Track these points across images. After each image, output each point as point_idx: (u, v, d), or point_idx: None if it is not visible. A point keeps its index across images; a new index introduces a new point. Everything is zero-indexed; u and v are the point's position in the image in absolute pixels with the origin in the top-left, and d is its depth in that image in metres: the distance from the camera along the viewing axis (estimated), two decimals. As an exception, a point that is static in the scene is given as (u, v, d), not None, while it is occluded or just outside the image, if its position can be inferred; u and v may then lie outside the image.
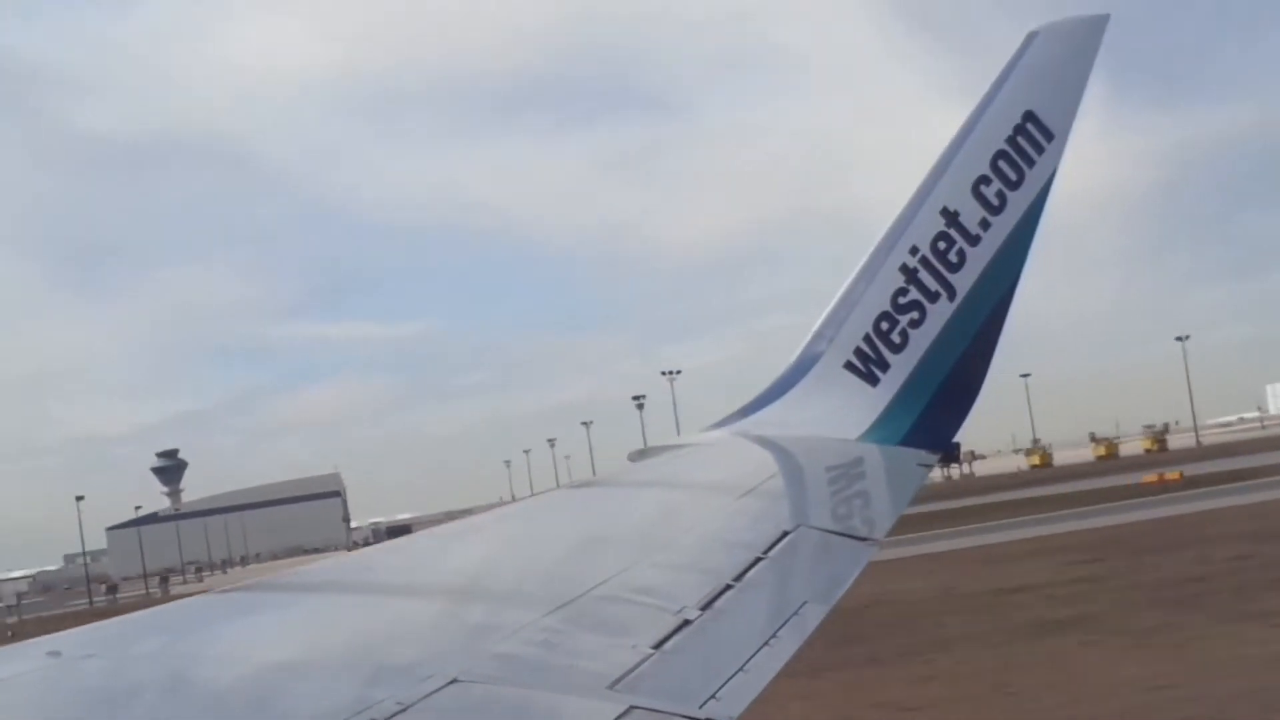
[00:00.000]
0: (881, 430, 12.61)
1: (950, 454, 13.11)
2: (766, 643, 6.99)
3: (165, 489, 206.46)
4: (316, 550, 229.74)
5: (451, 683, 5.72)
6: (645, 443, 12.95)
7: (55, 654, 5.93)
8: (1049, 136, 13.06)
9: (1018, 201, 12.95)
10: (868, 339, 12.77)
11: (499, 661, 6.25)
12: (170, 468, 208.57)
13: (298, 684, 5.99)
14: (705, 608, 7.38)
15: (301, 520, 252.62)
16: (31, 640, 6.33)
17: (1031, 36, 13.36)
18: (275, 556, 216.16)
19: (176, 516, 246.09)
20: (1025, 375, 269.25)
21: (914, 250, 12.82)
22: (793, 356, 13.13)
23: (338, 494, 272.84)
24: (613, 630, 6.88)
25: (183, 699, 5.73)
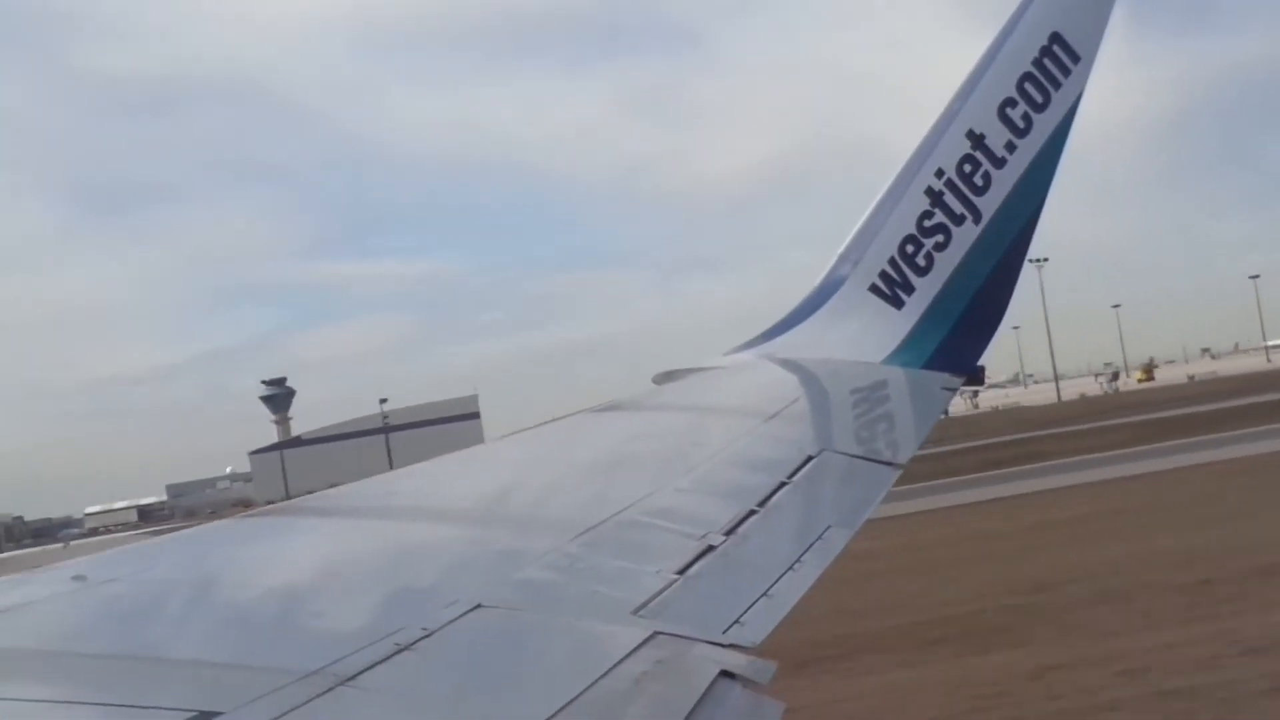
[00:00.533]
0: (906, 353, 12.60)
1: (975, 377, 13.08)
2: (790, 568, 6.97)
3: (274, 416, 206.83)
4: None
5: (475, 608, 5.69)
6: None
7: (80, 578, 5.95)
8: (1075, 59, 12.99)
9: (1043, 124, 12.90)
10: (893, 262, 12.75)
11: (522, 587, 6.23)
12: (278, 395, 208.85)
13: (323, 607, 5.98)
14: (729, 533, 7.36)
15: (441, 441, 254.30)
16: (63, 564, 6.35)
17: None
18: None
19: (320, 440, 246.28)
20: (1116, 306, 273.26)
21: (939, 173, 12.78)
22: (818, 279, 13.10)
23: (476, 415, 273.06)
24: (636, 556, 6.85)
25: (202, 622, 5.71)
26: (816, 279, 13.08)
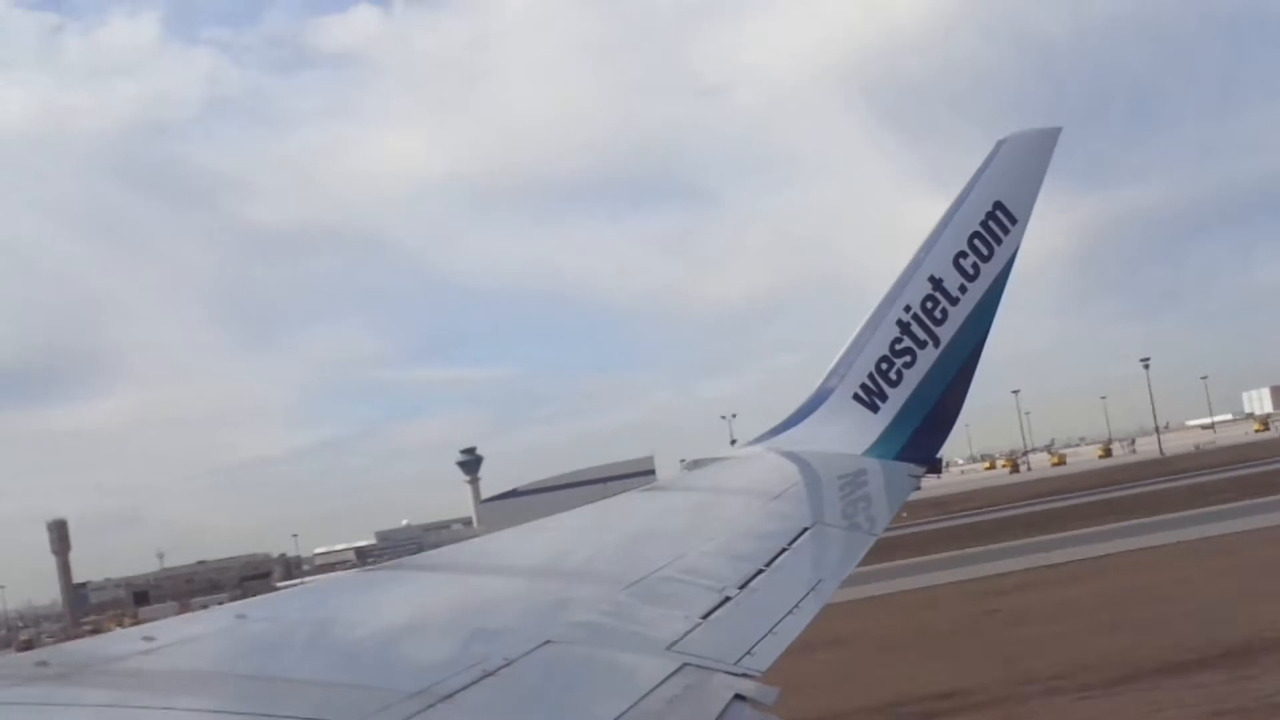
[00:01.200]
0: (881, 448, 12.66)
1: (934, 467, 13.14)
2: (790, 612, 7.03)
3: (467, 478, 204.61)
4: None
5: (545, 644, 5.78)
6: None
7: (242, 616, 6.04)
8: (1013, 220, 13.15)
9: (989, 271, 13.04)
10: (871, 376, 12.86)
11: (582, 628, 6.30)
12: (471, 461, 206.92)
13: (426, 642, 6.09)
14: (742, 587, 7.42)
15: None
16: (228, 606, 6.43)
17: (1000, 143, 13.46)
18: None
19: (532, 491, 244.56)
20: (1015, 391, 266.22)
21: (907, 309, 12.91)
22: (810, 389, 13.22)
23: (652, 472, 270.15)
24: (670, 604, 6.91)
25: (329, 652, 5.83)
26: (800, 381, 13.30)
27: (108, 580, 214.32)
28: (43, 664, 4.91)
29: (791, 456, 12.34)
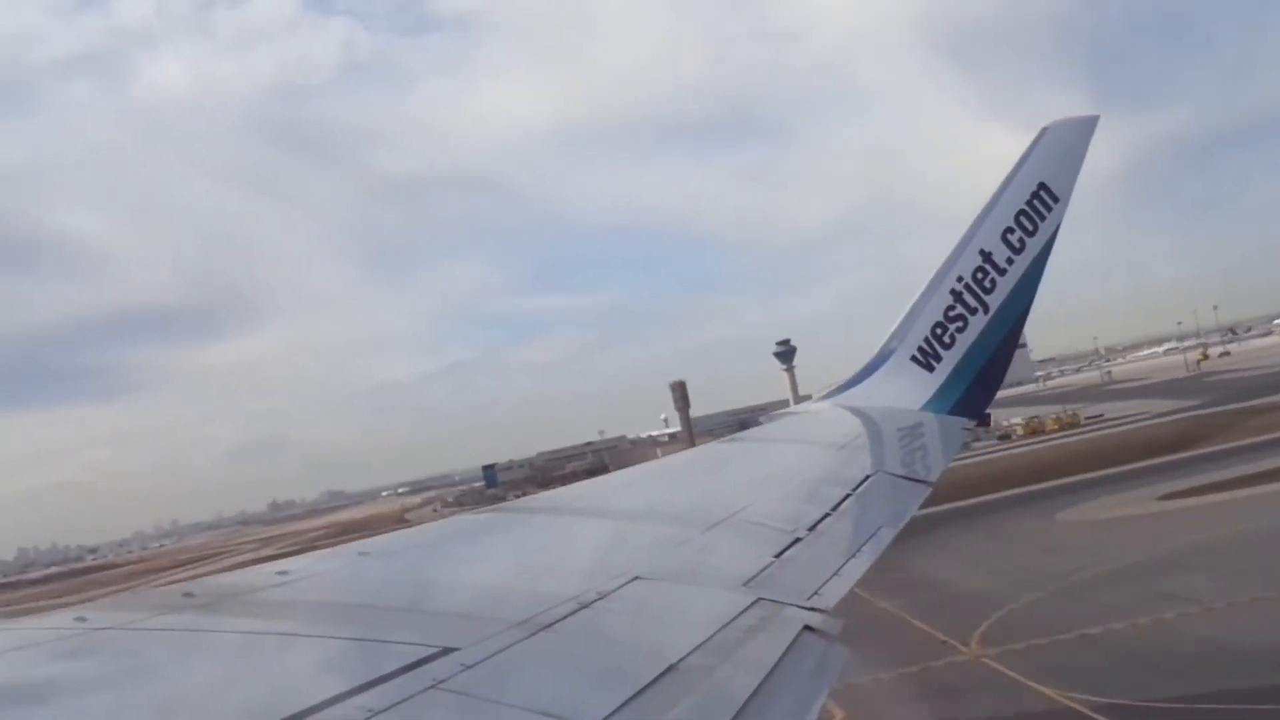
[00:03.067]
0: (936, 404, 12.59)
1: (984, 421, 13.05)
2: (853, 555, 6.94)
3: (784, 367, 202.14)
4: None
5: (634, 579, 5.77)
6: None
7: (365, 554, 6.09)
8: (1055, 199, 12.99)
9: (1033, 245, 12.91)
10: (927, 340, 12.79)
11: (667, 565, 6.28)
12: (786, 351, 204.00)
13: (528, 578, 6.09)
14: (812, 529, 7.36)
15: None
16: (353, 544, 6.47)
17: (1044, 130, 13.27)
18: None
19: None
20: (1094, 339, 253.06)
21: (960, 279, 12.82)
22: (875, 349, 13.15)
23: (1024, 345, 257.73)
24: (747, 543, 6.87)
25: (443, 587, 5.85)
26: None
27: (511, 462, 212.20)
28: (189, 595, 4.96)
29: (856, 411, 12.29)
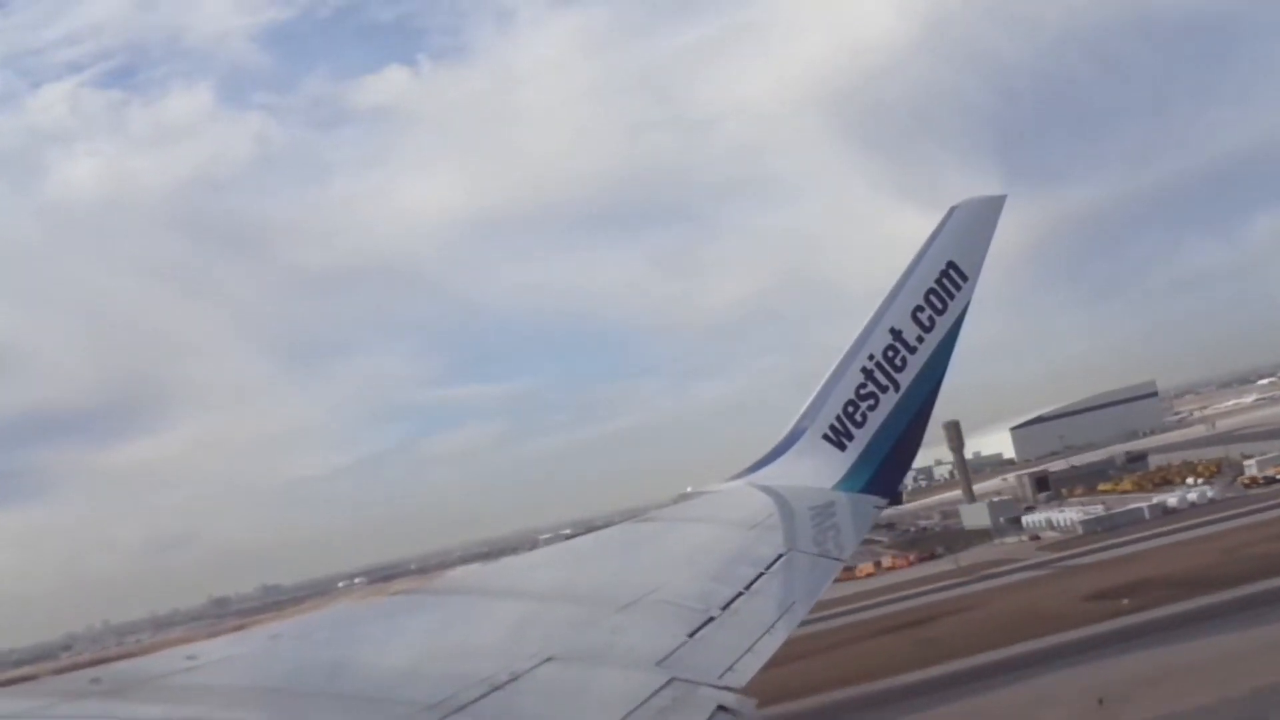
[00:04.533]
0: (848, 482, 12.65)
1: (895, 499, 13.14)
2: (766, 631, 7.01)
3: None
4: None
5: (547, 660, 5.79)
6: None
7: (276, 636, 6.05)
8: (964, 278, 13.21)
9: (943, 323, 13.09)
10: (838, 418, 12.86)
11: (580, 645, 6.32)
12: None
13: (439, 660, 6.09)
14: (724, 608, 7.41)
15: (1124, 417, 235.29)
16: (262, 628, 6.41)
17: (953, 209, 13.51)
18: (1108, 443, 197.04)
19: (1056, 416, 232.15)
20: None
21: (870, 357, 12.95)
22: (785, 430, 13.19)
23: (1155, 394, 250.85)
24: (661, 624, 6.89)
25: (356, 669, 5.83)
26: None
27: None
28: (96, 681, 4.90)
29: (768, 490, 12.33)
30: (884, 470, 12.91)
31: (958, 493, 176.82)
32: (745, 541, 9.90)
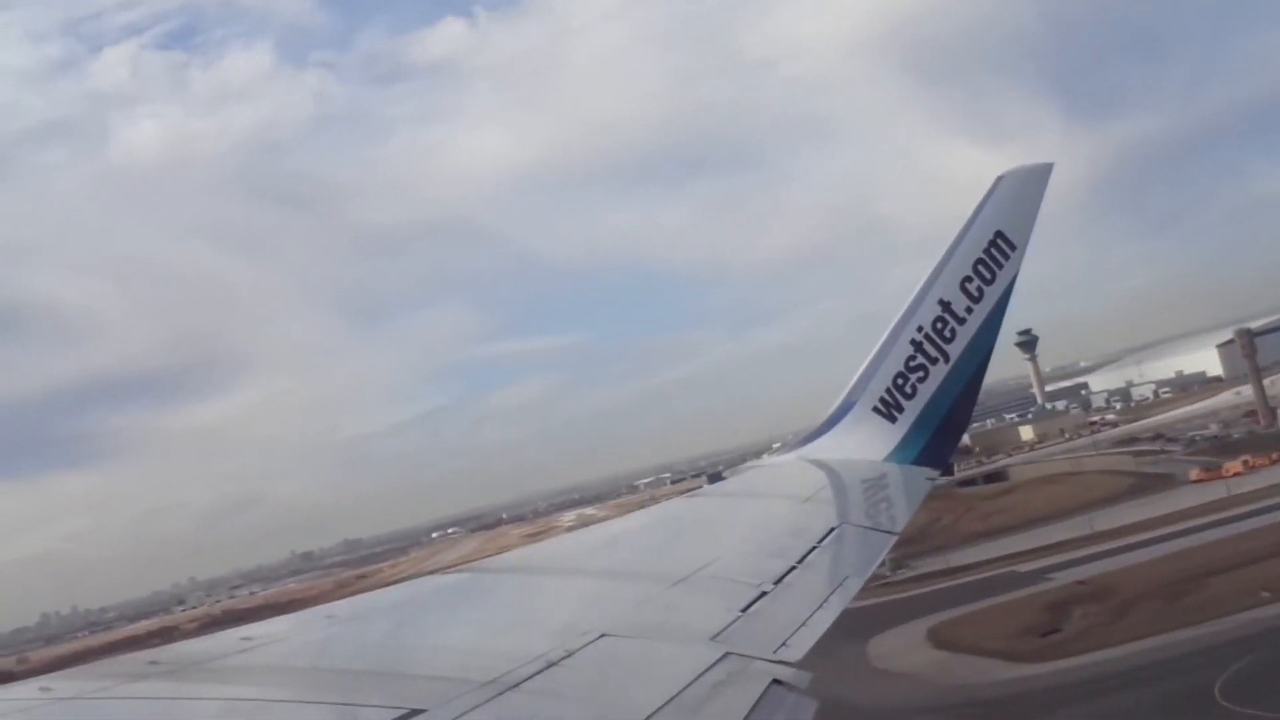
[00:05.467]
0: (898, 454, 12.59)
1: (947, 471, 13.06)
2: (820, 605, 6.97)
3: (1026, 356, 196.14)
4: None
5: (601, 637, 5.79)
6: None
7: (331, 617, 6.08)
8: (1012, 247, 13.09)
9: (991, 293, 12.99)
10: (889, 390, 12.80)
11: (635, 620, 6.31)
12: (1028, 341, 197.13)
13: (495, 638, 6.12)
14: (777, 582, 7.38)
15: None
16: (317, 608, 6.44)
17: (999, 179, 13.38)
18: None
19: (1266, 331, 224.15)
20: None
21: (920, 329, 12.87)
22: (837, 401, 13.15)
23: None
24: (714, 599, 6.88)
25: (413, 648, 5.86)
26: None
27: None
28: (154, 663, 4.94)
29: (819, 463, 12.30)
30: (935, 441, 12.84)
31: (1182, 409, 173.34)
32: (798, 515, 9.86)
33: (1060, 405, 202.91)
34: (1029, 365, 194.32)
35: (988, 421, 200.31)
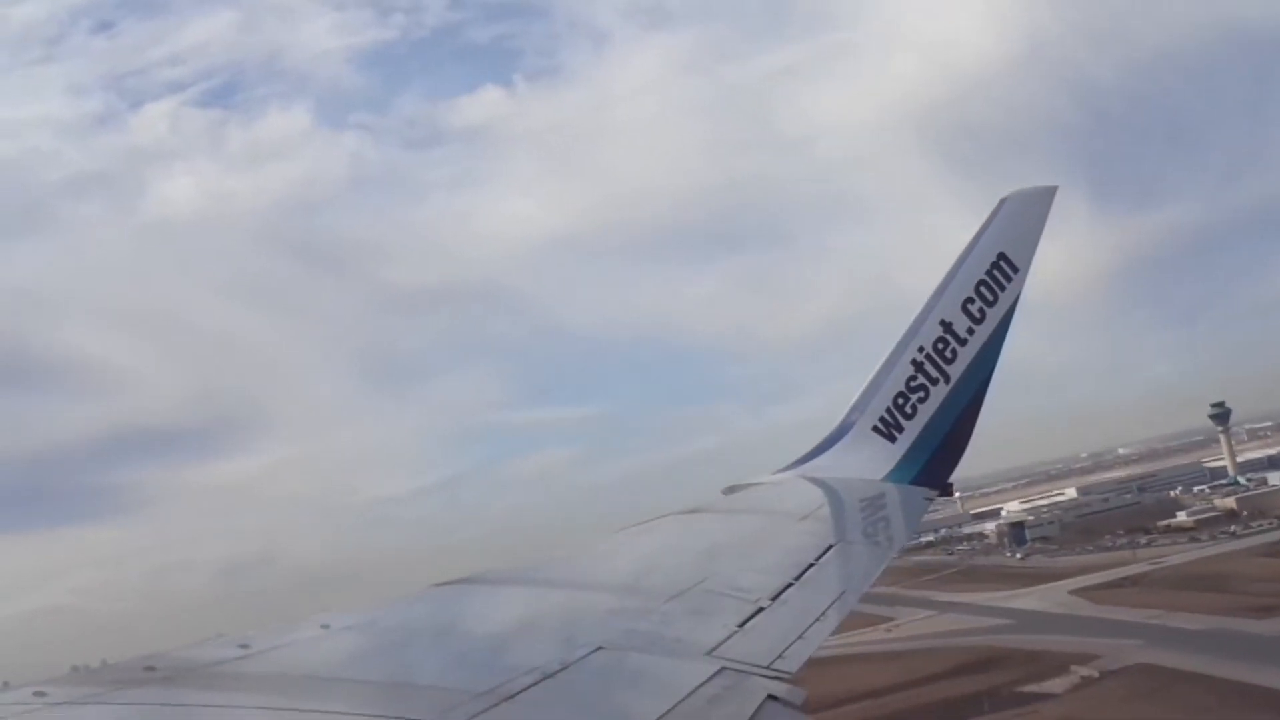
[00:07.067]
0: (898, 474, 12.57)
1: (945, 491, 13.03)
2: (817, 619, 6.95)
3: (1220, 429, 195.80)
4: None
5: (597, 649, 5.76)
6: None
7: (327, 626, 6.06)
8: (1015, 269, 13.10)
9: (993, 315, 12.99)
10: (889, 410, 12.79)
11: (631, 634, 6.28)
12: (1222, 414, 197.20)
13: (491, 650, 6.12)
14: (775, 598, 7.36)
15: None
16: (313, 617, 6.42)
17: (1003, 200, 13.41)
18: None
19: None
20: None
21: (921, 349, 12.87)
22: (837, 421, 13.14)
23: None
24: (710, 614, 6.86)
25: (411, 657, 5.86)
26: (838, 418, 13.16)
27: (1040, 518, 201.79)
28: (150, 668, 4.92)
29: (818, 482, 12.26)
30: (934, 462, 12.82)
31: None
32: (795, 532, 9.83)
33: (1243, 480, 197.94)
34: (1222, 438, 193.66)
35: (1175, 489, 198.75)
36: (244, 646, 5.35)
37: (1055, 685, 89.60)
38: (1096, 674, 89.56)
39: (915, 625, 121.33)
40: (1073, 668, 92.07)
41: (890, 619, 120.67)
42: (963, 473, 13.13)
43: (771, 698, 5.40)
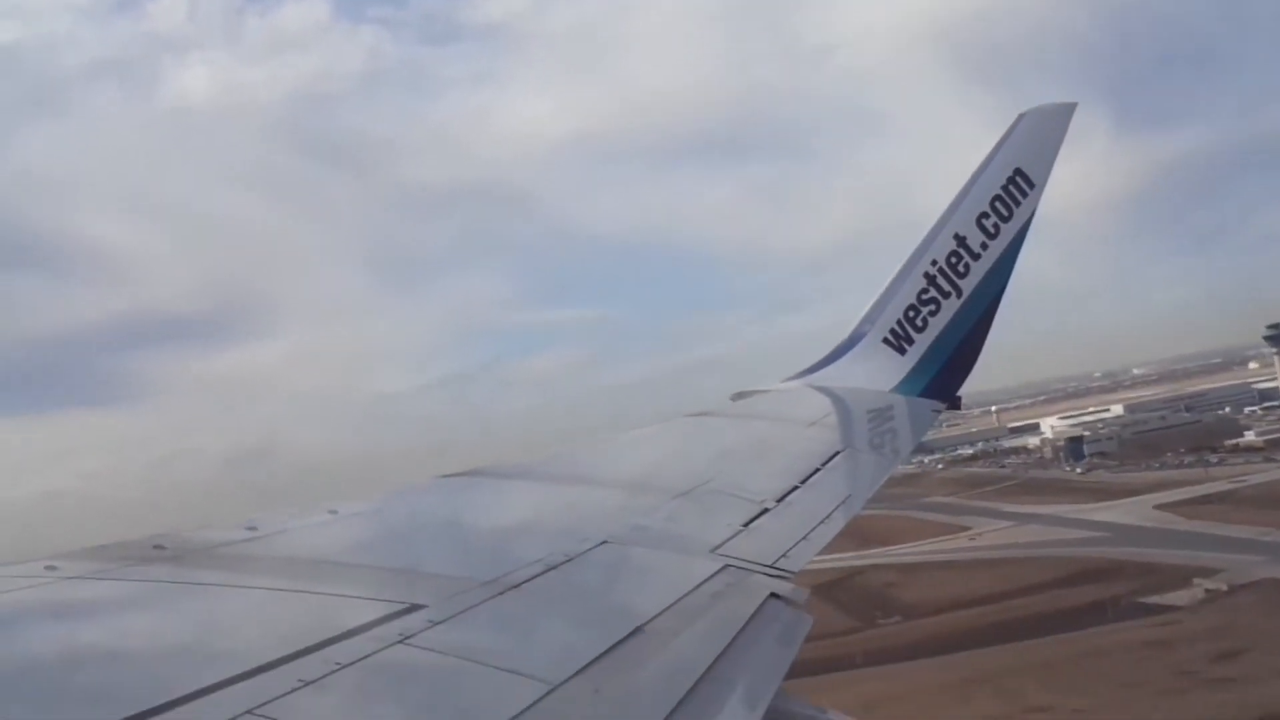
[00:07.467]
0: (906, 386, 12.59)
1: (954, 404, 13.05)
2: (821, 522, 6.99)
3: (1274, 350, 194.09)
4: None
5: (602, 543, 5.79)
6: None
7: (334, 512, 6.08)
8: (1031, 185, 12.99)
9: (1008, 230, 12.91)
10: (899, 322, 12.78)
11: (636, 530, 6.31)
12: (1277, 335, 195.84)
13: (497, 541, 6.16)
14: (780, 500, 7.39)
15: None
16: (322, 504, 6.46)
17: (1021, 116, 13.26)
18: None
19: None
20: None
21: (934, 263, 12.82)
22: (847, 332, 13.12)
23: None
24: (716, 513, 6.89)
25: (418, 545, 5.91)
26: (849, 329, 13.13)
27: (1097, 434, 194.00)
28: (160, 547, 4.95)
29: (826, 390, 12.28)
30: (943, 375, 12.82)
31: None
32: (803, 438, 9.86)
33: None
34: (1276, 360, 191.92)
35: (1224, 409, 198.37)
36: (252, 529, 5.39)
37: (1180, 597, 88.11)
38: (1224, 587, 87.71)
39: (997, 535, 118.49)
40: (1196, 580, 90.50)
41: (966, 528, 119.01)
42: (973, 386, 13.14)
43: (774, 595, 5.43)
